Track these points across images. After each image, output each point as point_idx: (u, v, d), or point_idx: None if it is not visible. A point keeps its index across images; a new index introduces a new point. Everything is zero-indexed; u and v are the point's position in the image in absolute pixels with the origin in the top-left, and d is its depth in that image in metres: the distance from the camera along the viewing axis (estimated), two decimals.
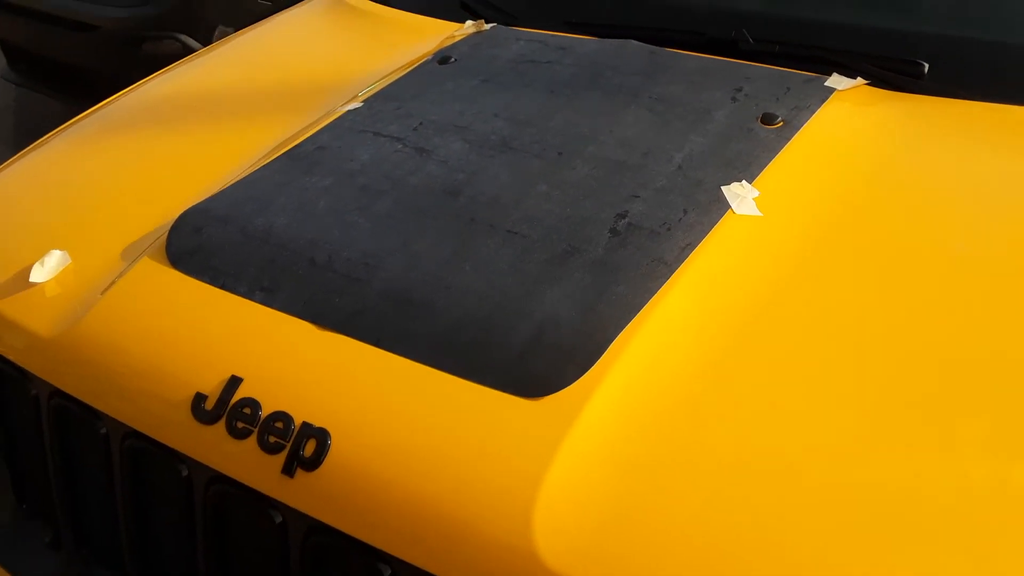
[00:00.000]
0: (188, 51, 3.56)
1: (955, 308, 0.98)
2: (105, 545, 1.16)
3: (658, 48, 1.49)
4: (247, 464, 0.95)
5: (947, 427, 0.85)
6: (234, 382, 0.98)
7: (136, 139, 1.47)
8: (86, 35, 3.60)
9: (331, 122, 1.36)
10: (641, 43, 1.50)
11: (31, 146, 1.55)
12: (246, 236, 1.12)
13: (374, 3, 1.87)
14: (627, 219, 1.08)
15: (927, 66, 1.37)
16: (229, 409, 0.96)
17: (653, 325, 0.95)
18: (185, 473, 1.01)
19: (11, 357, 1.15)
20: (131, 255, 1.17)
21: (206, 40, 3.58)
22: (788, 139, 1.22)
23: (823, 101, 1.30)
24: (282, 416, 0.94)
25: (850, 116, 1.30)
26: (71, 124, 1.59)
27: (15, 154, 1.54)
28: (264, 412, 0.95)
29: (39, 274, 1.16)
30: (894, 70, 1.38)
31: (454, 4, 1.75)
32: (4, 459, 1.24)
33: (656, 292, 0.98)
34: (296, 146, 1.30)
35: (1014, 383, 0.89)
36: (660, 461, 0.85)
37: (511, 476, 0.85)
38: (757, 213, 1.09)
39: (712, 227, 1.07)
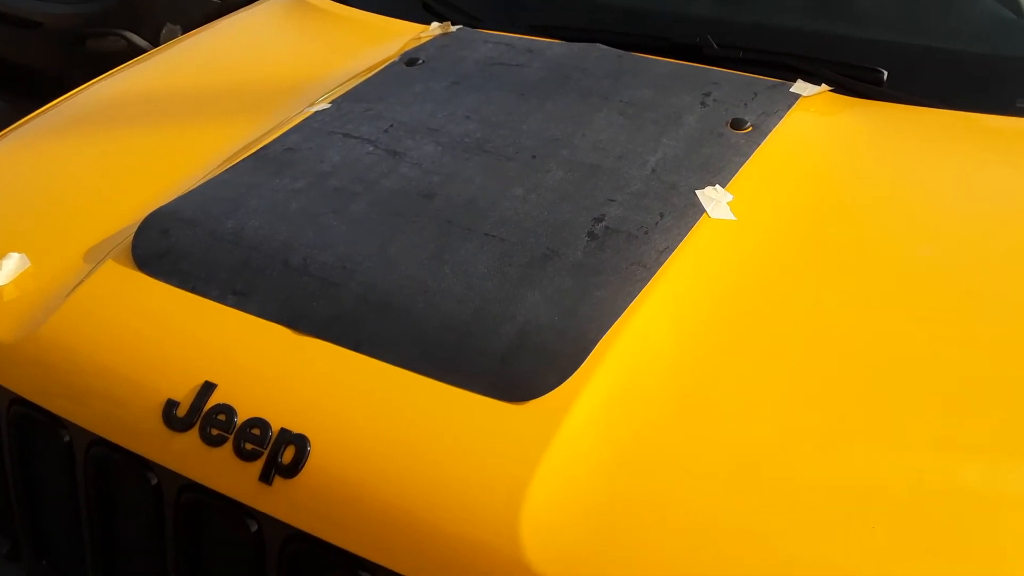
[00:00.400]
0: (134, 48, 3.47)
1: (922, 307, 1.01)
2: (67, 556, 1.12)
3: (625, 52, 1.50)
4: (222, 472, 0.92)
5: (922, 425, 0.88)
6: (208, 388, 0.95)
7: (95, 138, 1.43)
8: (28, 31, 3.50)
9: (299, 123, 1.34)
10: (608, 47, 1.51)
11: None
12: (216, 238, 1.10)
13: (335, 3, 1.84)
14: (604, 222, 1.08)
15: (886, 73, 1.41)
16: (203, 416, 0.94)
17: (635, 328, 0.96)
18: (155, 482, 0.98)
19: None
20: (94, 258, 1.13)
21: (152, 38, 3.50)
22: (758, 144, 1.24)
23: (789, 107, 1.33)
24: (259, 423, 0.92)
25: (816, 122, 1.33)
26: (24, 123, 1.54)
27: None
28: (240, 418, 0.93)
29: None
30: (855, 77, 1.41)
31: (416, 5, 1.73)
32: None
33: (636, 295, 0.99)
34: (264, 147, 1.28)
35: (983, 380, 0.92)
36: (645, 465, 0.86)
37: (496, 481, 0.84)
38: (731, 217, 1.11)
39: (689, 231, 1.08)
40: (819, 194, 1.18)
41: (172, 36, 3.53)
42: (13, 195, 1.33)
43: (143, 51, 3.45)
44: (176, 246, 1.10)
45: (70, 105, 1.58)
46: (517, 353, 0.93)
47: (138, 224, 1.14)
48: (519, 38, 1.57)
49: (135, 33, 3.49)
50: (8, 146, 1.47)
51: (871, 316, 1.00)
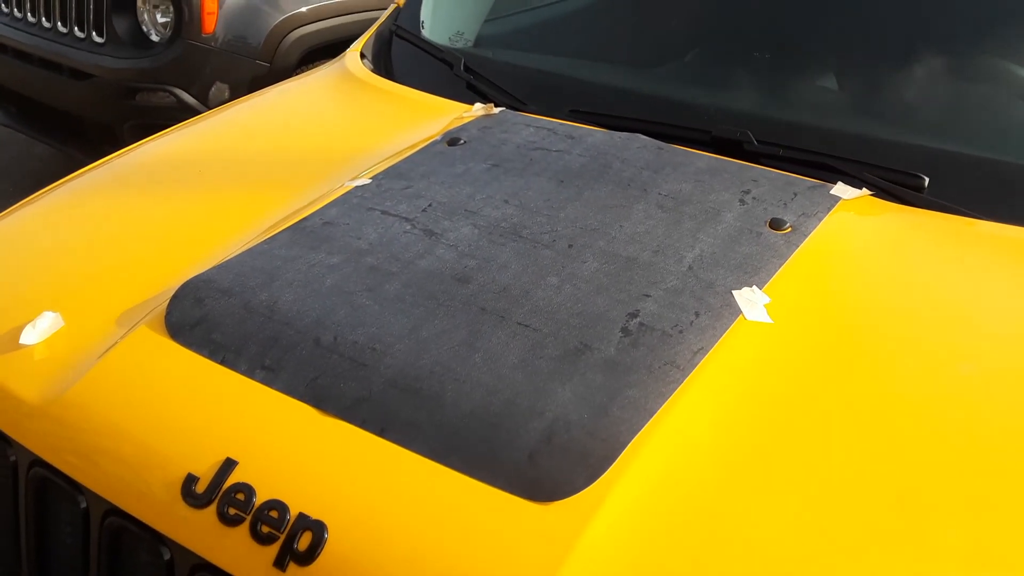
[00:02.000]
0: (182, 105, 3.57)
1: (956, 421, 0.99)
2: None
3: (666, 144, 1.50)
4: (236, 554, 0.91)
5: (955, 538, 0.85)
6: (228, 465, 0.94)
7: (138, 200, 1.45)
8: (81, 82, 3.61)
9: (338, 197, 1.35)
10: (649, 137, 1.52)
11: (26, 199, 1.53)
12: (249, 311, 1.10)
13: (382, 78, 1.88)
14: (638, 318, 1.07)
15: (927, 180, 1.40)
16: (222, 493, 0.93)
17: (666, 431, 0.94)
18: (167, 557, 0.96)
19: None
20: (128, 322, 1.14)
21: (201, 96, 3.60)
22: (797, 246, 1.23)
23: (829, 209, 1.32)
24: (277, 505, 0.90)
25: (855, 226, 1.32)
26: (69, 179, 1.57)
27: None
28: (258, 499, 0.91)
29: (30, 336, 1.12)
30: (895, 181, 1.40)
31: (461, 85, 1.76)
32: None
33: (669, 397, 0.97)
34: (303, 220, 1.29)
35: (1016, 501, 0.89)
36: (670, 573, 0.83)
37: None
38: (768, 320, 1.09)
39: (724, 332, 1.06)
40: (857, 301, 1.17)
41: (221, 95, 3.63)
42: (54, 252, 1.35)
43: (191, 108, 3.55)
44: (209, 316, 1.10)
45: (117, 165, 1.61)
46: (545, 451, 0.91)
47: (173, 291, 1.14)
48: (561, 123, 1.59)
49: (185, 91, 3.58)
50: (53, 201, 1.50)
51: (905, 427, 0.97)
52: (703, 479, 0.90)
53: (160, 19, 3.59)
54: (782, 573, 0.83)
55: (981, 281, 1.25)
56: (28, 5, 3.79)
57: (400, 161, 1.47)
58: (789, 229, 1.26)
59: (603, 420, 0.93)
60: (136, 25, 3.60)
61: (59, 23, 3.68)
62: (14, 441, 1.08)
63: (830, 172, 1.42)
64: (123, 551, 1.01)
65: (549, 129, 1.56)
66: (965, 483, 0.91)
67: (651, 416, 0.94)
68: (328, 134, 1.67)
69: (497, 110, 1.66)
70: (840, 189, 1.38)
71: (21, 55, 3.81)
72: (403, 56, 1.97)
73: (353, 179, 1.42)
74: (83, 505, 1.02)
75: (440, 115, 1.68)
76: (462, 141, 1.52)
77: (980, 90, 1.66)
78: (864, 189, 1.39)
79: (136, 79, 3.57)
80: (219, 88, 3.62)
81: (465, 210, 1.30)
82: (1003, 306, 1.20)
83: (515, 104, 1.69)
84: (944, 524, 0.87)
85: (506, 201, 1.32)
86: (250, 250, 1.22)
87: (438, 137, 1.55)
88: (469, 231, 1.25)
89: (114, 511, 1.00)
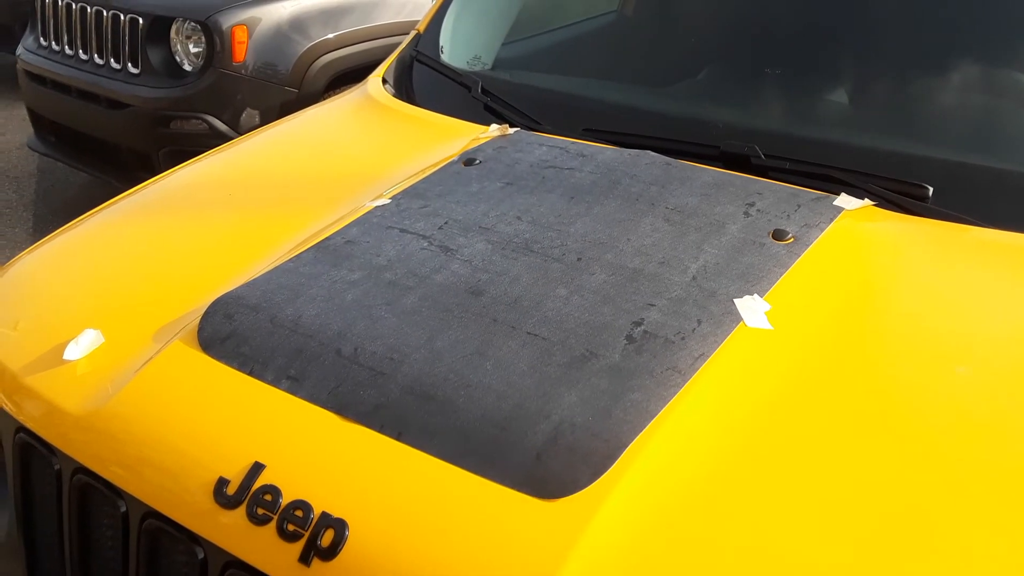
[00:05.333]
0: (214, 131, 3.69)
1: (956, 431, 1.02)
2: None
3: (673, 160, 1.56)
4: (264, 551, 0.97)
5: (949, 548, 0.88)
6: (257, 468, 1.01)
7: (171, 224, 1.53)
8: (118, 112, 3.74)
9: (360, 217, 1.42)
10: (657, 154, 1.57)
11: (67, 225, 1.62)
12: (276, 325, 1.17)
13: (403, 102, 1.96)
14: (643, 327, 1.13)
15: (931, 189, 1.43)
16: (251, 495, 0.99)
17: (666, 432, 0.99)
18: (201, 556, 1.03)
19: (39, 432, 1.18)
20: (163, 337, 1.21)
21: (232, 122, 3.71)
22: (798, 255, 1.27)
23: (832, 220, 1.36)
24: (302, 504, 0.97)
25: (857, 236, 1.36)
26: (107, 206, 1.66)
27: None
28: (285, 500, 0.97)
29: (73, 352, 1.20)
30: (899, 192, 1.43)
31: (478, 107, 1.83)
32: (20, 531, 1.26)
33: (670, 400, 1.02)
34: (326, 239, 1.36)
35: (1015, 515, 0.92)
36: (672, 567, 0.87)
37: (524, 574, 0.87)
38: (768, 327, 1.14)
39: (724, 338, 1.11)
40: (857, 309, 1.20)
41: (251, 121, 3.74)
42: (94, 273, 1.43)
43: (223, 134, 3.66)
44: (238, 330, 1.17)
45: (152, 191, 1.70)
46: (551, 451, 0.96)
47: (205, 308, 1.21)
48: (572, 142, 1.65)
49: (216, 117, 3.70)
50: (94, 226, 1.59)
51: (904, 433, 1.00)
52: (701, 477, 0.95)
53: (193, 49, 3.72)
54: (779, 570, 0.86)
55: (986, 289, 1.28)
56: (66, 39, 3.95)
57: (419, 181, 1.53)
58: (791, 239, 1.31)
59: (606, 422, 0.98)
60: (170, 56, 3.74)
61: (96, 55, 3.83)
62: (58, 451, 1.16)
63: (835, 183, 1.46)
64: (160, 551, 1.08)
65: (561, 148, 1.62)
66: (964, 493, 0.94)
67: (652, 418, 0.99)
68: (351, 157, 1.75)
69: (512, 130, 1.72)
70: (843, 200, 1.42)
71: (60, 87, 3.97)
72: (423, 80, 2.05)
73: (374, 199, 1.49)
74: (123, 509, 1.09)
75: (458, 137, 1.75)
76: (478, 161, 1.58)
77: (985, 99, 1.69)
78: (867, 199, 1.42)
79: (170, 108, 3.70)
80: (250, 114, 3.74)
81: (479, 227, 1.36)
82: (1010, 316, 1.21)
83: (531, 124, 1.75)
84: (944, 534, 0.89)
85: (519, 218, 1.39)
86: (277, 268, 1.29)
87: (455, 158, 1.62)
88: (483, 247, 1.31)
89: (152, 514, 1.06)
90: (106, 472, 1.10)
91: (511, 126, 1.74)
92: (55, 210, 4.25)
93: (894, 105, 1.70)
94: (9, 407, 1.23)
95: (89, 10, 3.82)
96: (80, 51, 3.89)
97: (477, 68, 2.07)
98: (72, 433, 1.15)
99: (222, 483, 1.01)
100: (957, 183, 1.46)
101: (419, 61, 2.06)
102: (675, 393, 1.03)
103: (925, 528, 0.90)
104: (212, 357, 1.15)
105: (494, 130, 1.74)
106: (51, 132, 4.19)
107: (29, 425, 1.20)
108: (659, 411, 1.00)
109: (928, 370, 1.11)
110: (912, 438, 1.00)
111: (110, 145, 3.89)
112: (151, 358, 1.17)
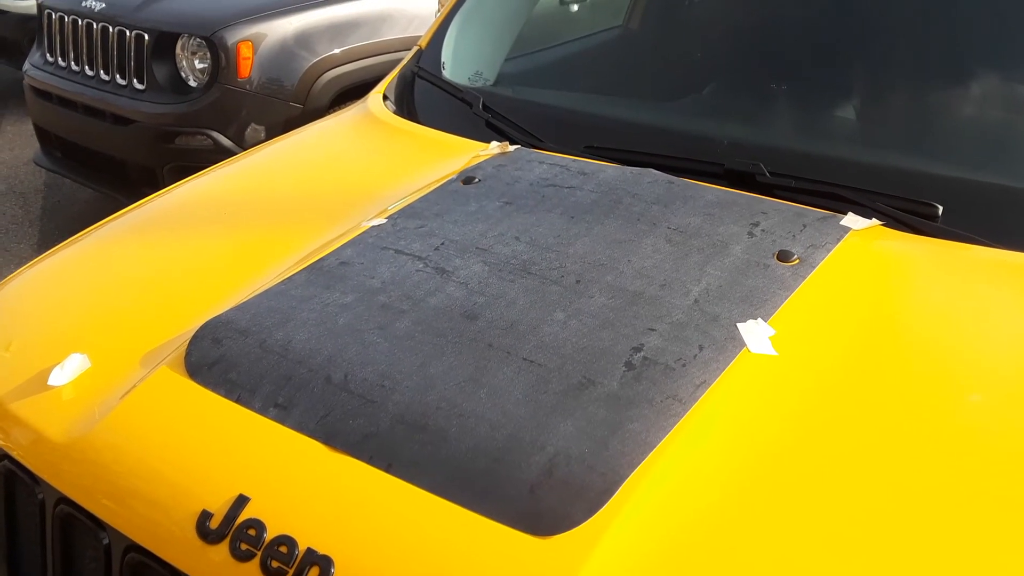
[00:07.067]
0: (219, 147, 3.67)
1: (965, 455, 0.98)
2: None
3: (676, 178, 1.52)
4: None
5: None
6: (241, 501, 0.97)
7: (166, 242, 1.51)
8: (123, 128, 3.74)
9: (355, 237, 1.39)
10: (659, 172, 1.54)
11: (63, 243, 1.59)
12: (264, 350, 1.14)
13: (403, 119, 1.93)
14: (642, 352, 1.09)
15: (941, 208, 1.39)
16: (234, 529, 0.95)
17: (666, 464, 0.95)
18: None
19: (22, 460, 1.15)
20: (151, 362, 1.18)
21: (237, 137, 3.70)
22: (804, 277, 1.23)
23: (838, 240, 1.32)
24: (287, 540, 0.93)
25: (865, 257, 1.32)
26: (105, 223, 1.63)
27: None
28: (269, 535, 0.94)
29: (58, 377, 1.17)
30: (908, 211, 1.39)
31: (478, 124, 1.80)
32: (5, 561, 1.22)
33: (670, 430, 0.98)
34: (319, 260, 1.33)
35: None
36: None
37: None
38: (772, 352, 1.10)
39: (727, 365, 1.07)
40: (865, 333, 1.16)
41: (256, 137, 3.73)
42: (83, 293, 1.40)
43: (228, 150, 3.65)
44: (226, 356, 1.14)
45: (150, 208, 1.67)
46: (546, 484, 0.92)
47: (193, 332, 1.18)
48: (574, 160, 1.62)
49: (221, 133, 3.69)
50: (88, 246, 1.56)
51: (910, 461, 0.97)
52: (702, 513, 0.91)
53: (198, 65, 3.71)
54: None
55: (1000, 312, 1.24)
56: (72, 55, 3.95)
57: (416, 200, 1.50)
58: (797, 261, 1.27)
59: (603, 454, 0.94)
60: (175, 72, 3.73)
61: (102, 71, 3.83)
62: (42, 480, 1.13)
63: (842, 202, 1.42)
64: None
65: (562, 166, 1.59)
66: (970, 520, 0.90)
67: (651, 449, 0.95)
68: (350, 175, 1.72)
69: (512, 148, 1.69)
70: (850, 220, 1.38)
71: (66, 103, 3.97)
72: (424, 97, 2.02)
73: (370, 219, 1.46)
74: (105, 541, 1.06)
75: (458, 154, 1.72)
76: (477, 180, 1.55)
77: (996, 115, 1.65)
78: (874, 219, 1.38)
79: (175, 123, 3.69)
80: (254, 130, 3.73)
81: (476, 247, 1.33)
82: (1017, 334, 1.18)
83: (532, 141, 1.72)
84: (947, 565, 0.86)
85: (517, 238, 1.35)
86: (268, 290, 1.26)
87: (454, 176, 1.59)
88: (479, 268, 1.28)
89: (134, 547, 1.03)
90: (88, 503, 1.07)
91: (512, 143, 1.71)
92: (60, 226, 4.24)
93: (902, 121, 1.67)
94: None
95: (95, 26, 3.82)
96: (86, 67, 3.89)
97: (479, 84, 2.04)
98: (54, 462, 1.12)
99: (205, 516, 0.97)
100: (968, 201, 1.43)
101: (420, 77, 2.03)
102: (675, 423, 0.99)
103: (930, 562, 0.86)
104: (199, 384, 1.11)
105: (494, 147, 1.70)
106: (57, 148, 4.19)
107: (13, 453, 1.17)
108: (658, 442, 0.96)
109: (941, 399, 1.07)
110: (920, 467, 0.96)
111: (116, 161, 3.88)
112: (136, 384, 1.14)
